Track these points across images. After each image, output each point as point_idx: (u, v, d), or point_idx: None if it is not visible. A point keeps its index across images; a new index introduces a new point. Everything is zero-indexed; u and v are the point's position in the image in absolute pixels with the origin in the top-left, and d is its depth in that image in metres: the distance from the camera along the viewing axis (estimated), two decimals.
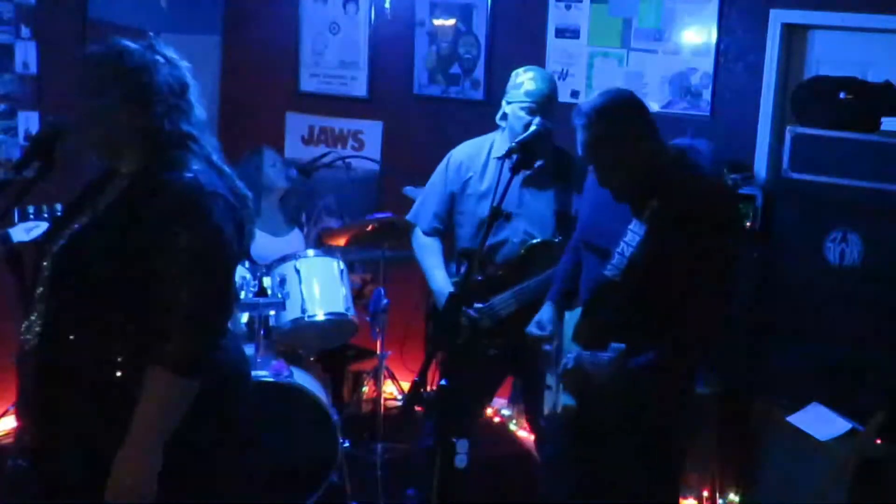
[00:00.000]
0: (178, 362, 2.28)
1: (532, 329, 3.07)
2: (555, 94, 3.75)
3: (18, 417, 2.59)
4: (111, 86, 2.37)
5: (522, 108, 3.71)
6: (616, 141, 2.73)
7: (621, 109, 2.78)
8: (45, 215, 3.27)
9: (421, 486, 3.95)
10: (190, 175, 2.36)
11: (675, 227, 2.66)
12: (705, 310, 2.70)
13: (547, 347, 3.00)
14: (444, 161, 3.95)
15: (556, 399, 2.86)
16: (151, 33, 2.52)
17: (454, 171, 3.84)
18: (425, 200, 3.96)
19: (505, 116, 3.80)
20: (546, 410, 3.00)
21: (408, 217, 4.13)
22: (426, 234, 3.91)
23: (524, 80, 3.73)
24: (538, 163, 3.61)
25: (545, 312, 3.12)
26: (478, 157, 3.80)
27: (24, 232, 3.19)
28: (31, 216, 3.24)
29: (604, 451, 2.85)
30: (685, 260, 2.65)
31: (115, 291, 2.33)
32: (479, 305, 3.55)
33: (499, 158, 3.66)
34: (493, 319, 3.59)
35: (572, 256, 3.21)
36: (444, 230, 3.91)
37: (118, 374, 2.32)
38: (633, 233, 2.67)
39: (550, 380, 3.00)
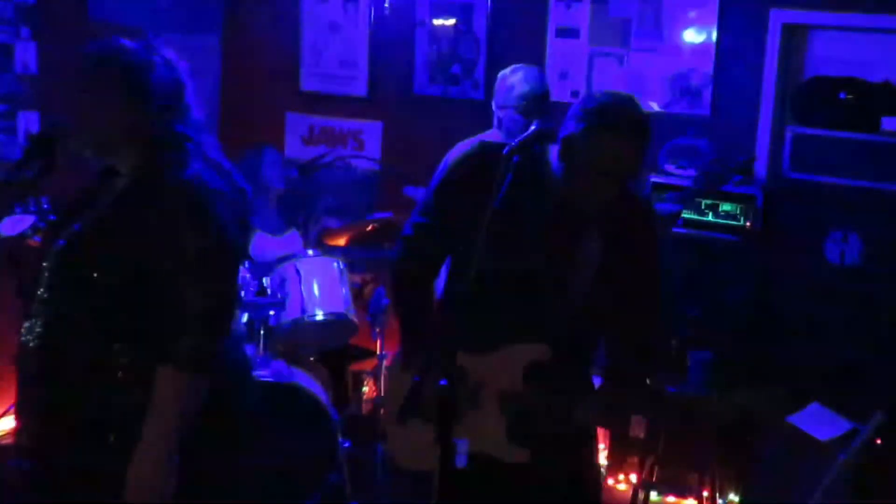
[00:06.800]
0: (188, 360, 2.29)
1: None
2: (548, 91, 3.72)
3: (18, 418, 2.59)
4: (108, 83, 2.38)
5: (517, 111, 3.69)
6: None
7: None
8: (32, 209, 3.26)
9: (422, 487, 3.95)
10: (191, 173, 2.36)
11: (629, 235, 2.52)
12: (659, 308, 2.65)
13: None
14: (442, 165, 3.93)
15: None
16: (150, 33, 2.51)
17: None
18: None
19: (501, 121, 3.77)
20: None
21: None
22: None
23: (514, 82, 3.71)
24: None
25: None
26: None
27: (10, 226, 3.17)
28: (18, 210, 3.23)
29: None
30: (644, 266, 2.56)
31: (117, 292, 2.33)
32: None
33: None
34: None
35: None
36: None
37: (119, 374, 2.33)
38: (589, 250, 2.47)
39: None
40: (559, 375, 2.50)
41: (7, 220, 3.09)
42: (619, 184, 2.41)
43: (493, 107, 3.84)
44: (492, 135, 3.87)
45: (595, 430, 2.80)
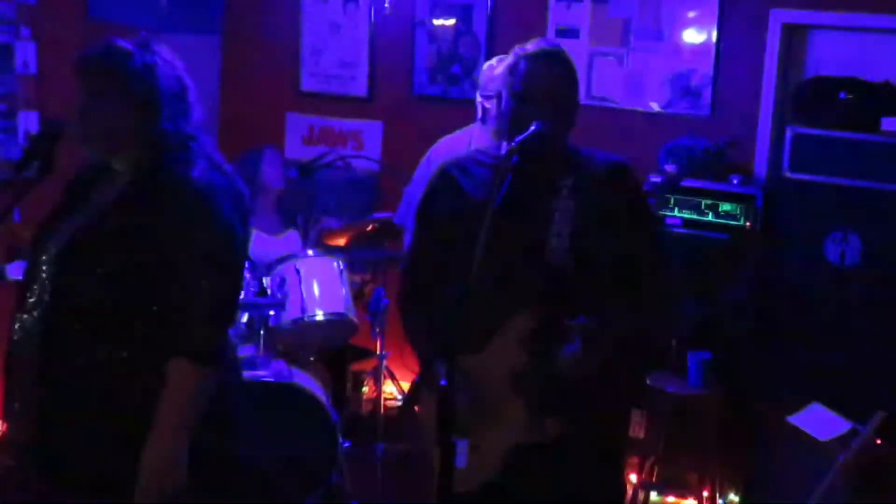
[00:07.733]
0: (199, 353, 2.32)
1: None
2: None
3: (5, 418, 2.57)
4: (116, 88, 2.38)
5: None
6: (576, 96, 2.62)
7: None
8: None
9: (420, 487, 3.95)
10: (198, 173, 2.38)
11: (604, 195, 2.55)
12: (660, 268, 2.64)
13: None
14: (424, 160, 3.94)
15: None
16: (144, 32, 2.51)
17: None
18: (410, 203, 3.93)
19: (485, 113, 3.79)
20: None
21: (395, 221, 4.13)
22: None
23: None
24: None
25: None
26: (458, 153, 3.79)
27: (19, 270, 3.15)
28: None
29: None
30: (627, 226, 2.57)
31: (122, 290, 2.34)
32: None
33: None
34: None
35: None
36: None
37: (122, 371, 2.33)
38: (562, 212, 2.50)
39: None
40: (556, 336, 2.48)
41: (16, 264, 3.08)
42: (547, 109, 2.48)
43: (478, 98, 3.85)
44: (475, 128, 3.88)
45: (625, 455, 2.76)
